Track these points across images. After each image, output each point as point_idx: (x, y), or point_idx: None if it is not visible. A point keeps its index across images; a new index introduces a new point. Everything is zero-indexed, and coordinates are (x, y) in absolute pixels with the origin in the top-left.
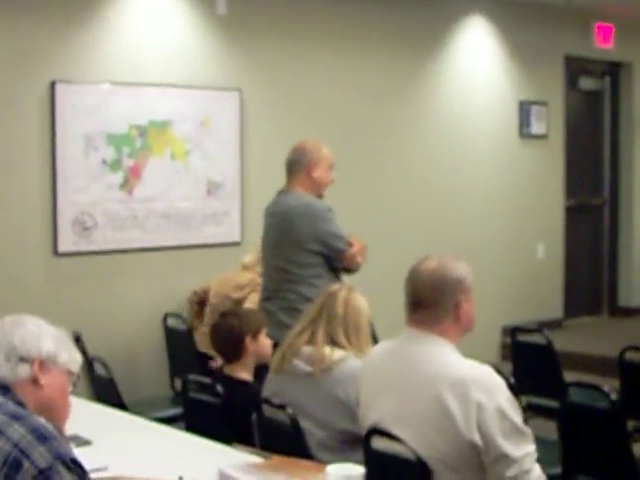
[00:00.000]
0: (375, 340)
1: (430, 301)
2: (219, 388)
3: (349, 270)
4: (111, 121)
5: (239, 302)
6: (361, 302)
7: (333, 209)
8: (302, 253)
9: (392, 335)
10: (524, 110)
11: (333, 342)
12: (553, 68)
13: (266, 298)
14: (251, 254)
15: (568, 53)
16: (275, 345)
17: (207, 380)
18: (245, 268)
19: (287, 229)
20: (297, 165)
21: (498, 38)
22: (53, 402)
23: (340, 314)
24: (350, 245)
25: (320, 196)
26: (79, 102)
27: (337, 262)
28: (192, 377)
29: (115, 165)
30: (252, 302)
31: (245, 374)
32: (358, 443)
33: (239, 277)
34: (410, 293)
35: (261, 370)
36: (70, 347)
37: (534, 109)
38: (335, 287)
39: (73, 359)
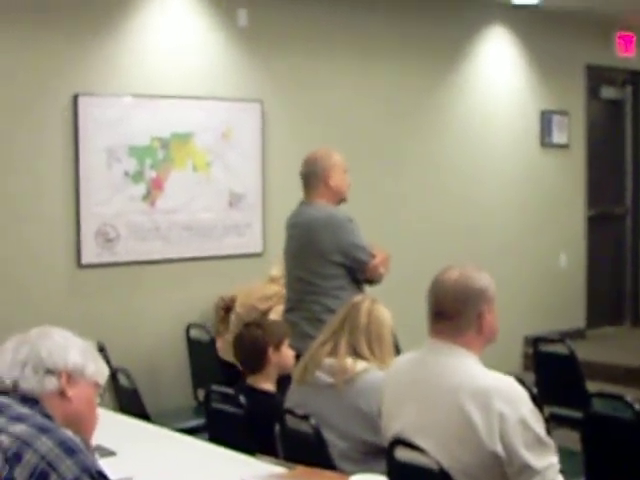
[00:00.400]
0: (398, 352)
1: (452, 312)
2: (242, 399)
3: (371, 281)
4: (133, 133)
5: (265, 313)
6: (384, 313)
7: (354, 219)
8: (325, 264)
9: (412, 343)
10: (545, 119)
11: (356, 353)
12: (574, 77)
13: (289, 309)
14: (277, 266)
15: (589, 62)
16: (298, 356)
17: (230, 391)
18: (272, 280)
19: (309, 240)
20: (313, 176)
21: (519, 48)
22: (80, 414)
23: (363, 325)
24: (372, 256)
25: (341, 201)
26: (101, 115)
27: (359, 273)
28: (215, 388)
29: (137, 177)
30: (277, 314)
31: (268, 385)
32: (380, 454)
33: (266, 288)
34: (432, 303)
35: (284, 381)
36: (97, 359)
37: (555, 118)
38: (358, 298)
39: (100, 371)
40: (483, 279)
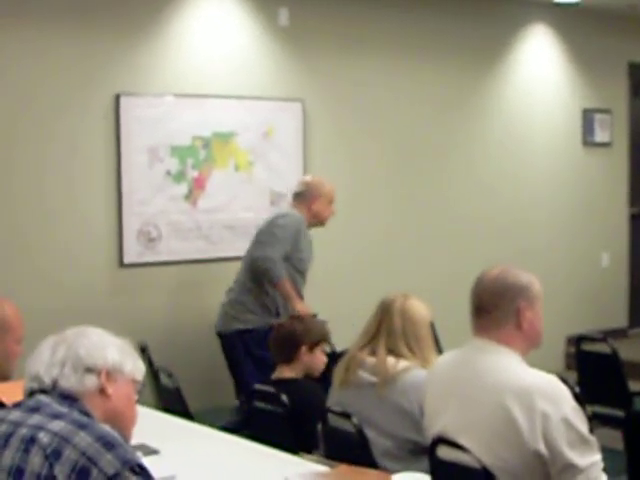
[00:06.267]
0: (436, 341)
1: (490, 305)
2: (283, 397)
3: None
4: (175, 133)
5: None
6: (417, 310)
7: (305, 232)
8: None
9: (457, 341)
10: (588, 118)
11: (396, 355)
12: (617, 75)
13: (230, 289)
14: None
15: (632, 60)
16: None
17: (271, 389)
18: None
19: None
20: (301, 196)
21: (561, 46)
22: (120, 411)
23: (398, 328)
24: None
25: (317, 224)
26: (143, 114)
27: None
28: (257, 386)
29: (179, 176)
30: None
31: (293, 375)
32: (423, 452)
33: None
34: (473, 299)
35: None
36: (134, 355)
37: (598, 117)
38: (389, 298)
39: (137, 367)
40: (524, 277)
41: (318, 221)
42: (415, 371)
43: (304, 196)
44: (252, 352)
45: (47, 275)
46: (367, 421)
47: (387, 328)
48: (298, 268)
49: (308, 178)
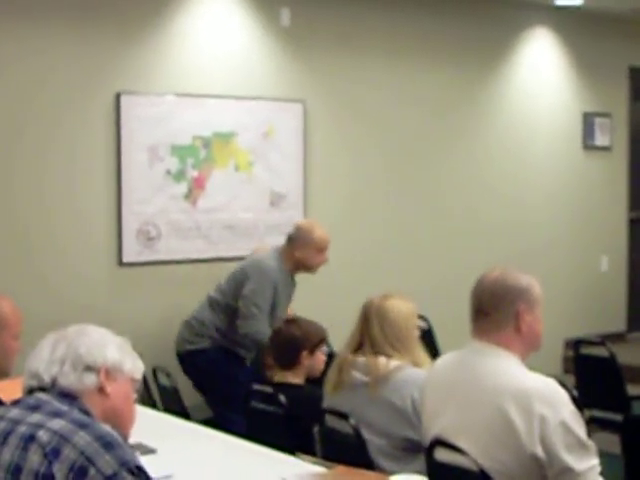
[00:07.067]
0: (431, 337)
1: (489, 307)
2: (281, 398)
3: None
4: (175, 132)
5: None
6: (393, 310)
7: (284, 283)
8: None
9: (456, 343)
10: (588, 122)
11: (384, 356)
12: (617, 79)
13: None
14: None
15: (633, 64)
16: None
17: (269, 390)
18: None
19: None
20: (290, 240)
21: (562, 49)
22: (119, 410)
23: (378, 332)
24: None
25: (303, 270)
26: (144, 113)
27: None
28: (255, 387)
29: (179, 176)
30: None
31: (296, 380)
32: (418, 451)
33: None
34: (473, 301)
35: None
36: (133, 355)
37: (598, 121)
38: (368, 301)
39: (136, 366)
40: (524, 280)
41: (304, 268)
42: (407, 369)
43: (292, 241)
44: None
45: (46, 273)
46: (361, 420)
47: (368, 333)
48: (270, 320)
49: (300, 222)
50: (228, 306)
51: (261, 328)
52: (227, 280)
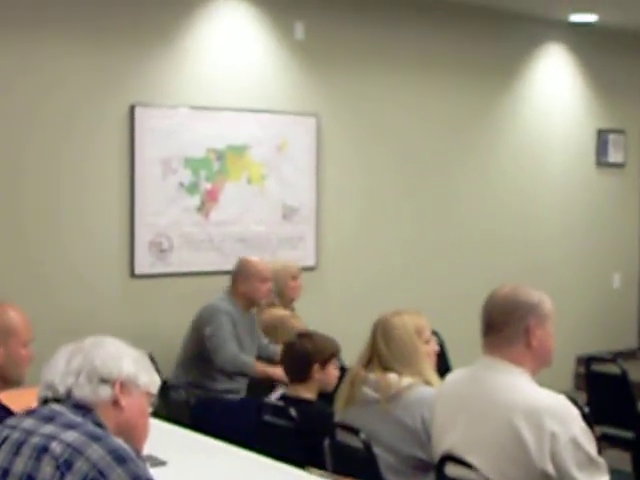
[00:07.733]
0: (443, 353)
1: (500, 323)
2: (292, 411)
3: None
4: (189, 145)
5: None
6: (398, 327)
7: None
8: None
9: (469, 358)
10: (602, 138)
11: (394, 373)
12: (631, 96)
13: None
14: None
15: None
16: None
17: (280, 403)
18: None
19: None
20: (232, 277)
21: (576, 66)
22: (133, 424)
23: (384, 349)
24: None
25: (252, 304)
26: (158, 126)
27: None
28: (266, 400)
29: (192, 188)
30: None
31: (308, 395)
32: (428, 468)
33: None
34: (483, 317)
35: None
36: (149, 368)
37: (612, 137)
38: (377, 319)
39: (153, 380)
40: (535, 295)
41: (252, 302)
42: (419, 388)
43: (234, 277)
44: None
45: (58, 284)
46: (371, 436)
47: (376, 350)
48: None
49: (240, 258)
50: (195, 357)
51: (235, 353)
52: (186, 337)
